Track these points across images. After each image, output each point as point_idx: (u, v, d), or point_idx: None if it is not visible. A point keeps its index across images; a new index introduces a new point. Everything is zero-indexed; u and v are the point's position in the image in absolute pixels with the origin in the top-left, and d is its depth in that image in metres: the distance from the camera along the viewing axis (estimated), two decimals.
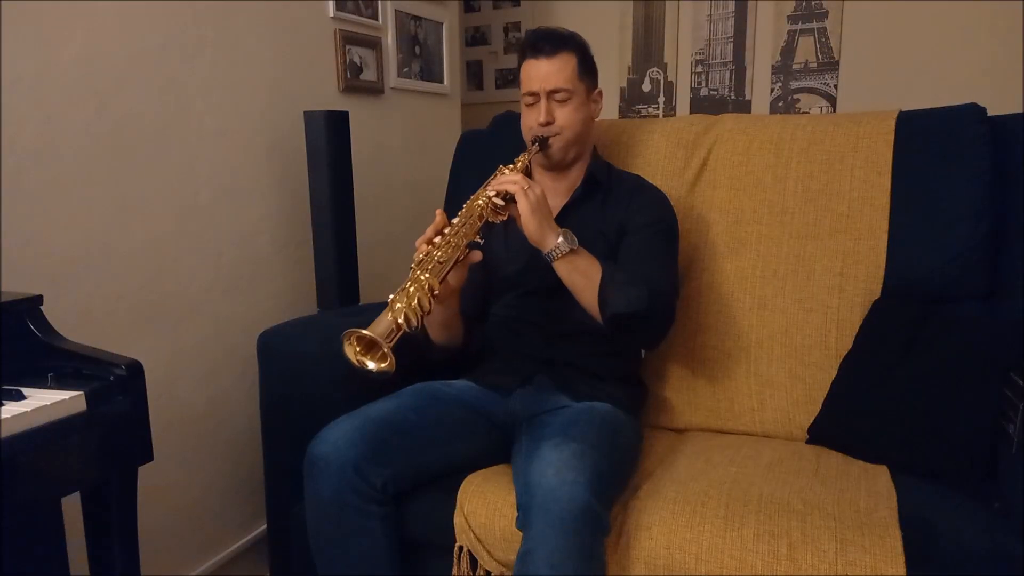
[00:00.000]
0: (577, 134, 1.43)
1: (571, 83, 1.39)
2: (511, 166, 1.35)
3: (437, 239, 1.21)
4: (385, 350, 1.03)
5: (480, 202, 1.24)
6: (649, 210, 1.44)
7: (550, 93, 1.39)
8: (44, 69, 1.36)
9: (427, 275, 1.13)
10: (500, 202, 1.24)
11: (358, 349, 1.05)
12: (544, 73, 1.39)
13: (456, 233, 1.20)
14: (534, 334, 1.42)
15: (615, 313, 1.26)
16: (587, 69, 1.44)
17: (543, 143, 1.40)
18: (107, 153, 1.48)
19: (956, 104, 1.53)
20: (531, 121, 1.42)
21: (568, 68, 1.39)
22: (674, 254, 1.47)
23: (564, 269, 1.27)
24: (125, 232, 1.53)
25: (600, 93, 1.49)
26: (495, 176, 1.32)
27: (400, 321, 1.05)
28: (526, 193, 1.22)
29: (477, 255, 1.24)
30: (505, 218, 1.26)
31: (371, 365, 1.05)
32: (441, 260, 1.16)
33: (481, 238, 1.23)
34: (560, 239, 1.25)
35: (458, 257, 1.20)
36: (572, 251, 1.26)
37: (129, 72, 1.51)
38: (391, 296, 1.10)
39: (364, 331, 1.03)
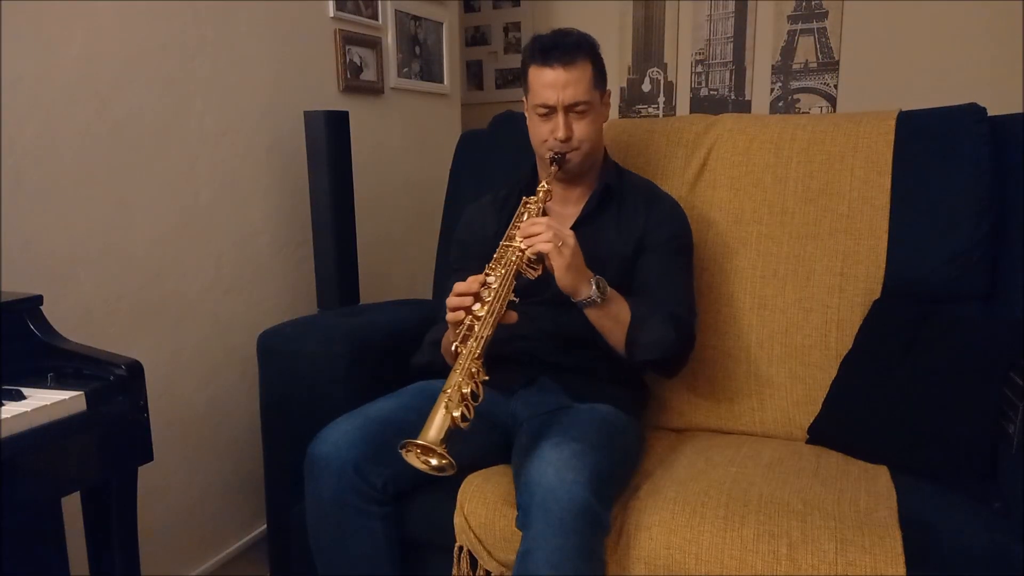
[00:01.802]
0: (594, 145, 1.39)
1: (589, 94, 1.33)
2: (535, 197, 1.32)
3: (476, 306, 1.15)
4: (439, 451, 0.99)
5: (514, 258, 1.19)
6: (668, 226, 1.42)
7: (568, 107, 1.32)
8: (44, 69, 1.36)
9: (472, 361, 1.08)
10: (533, 256, 1.19)
11: (418, 452, 1.02)
12: (562, 85, 1.30)
13: (496, 299, 1.14)
14: (542, 340, 1.40)
15: (644, 360, 1.28)
16: (601, 75, 1.37)
17: (561, 160, 1.35)
18: (107, 153, 1.48)
19: (956, 104, 1.53)
20: (545, 133, 1.35)
21: (586, 78, 1.32)
22: (692, 269, 1.47)
23: (595, 315, 1.27)
24: (125, 232, 1.53)
25: (609, 94, 1.44)
26: (520, 214, 1.29)
27: (456, 415, 1.02)
28: (560, 251, 1.18)
29: (513, 316, 1.16)
30: (540, 274, 1.21)
31: (434, 462, 1.01)
32: (485, 336, 1.11)
33: (516, 296, 1.18)
34: (594, 288, 1.23)
35: (498, 323, 1.14)
36: (604, 300, 1.24)
37: (129, 72, 1.51)
38: (443, 392, 1.05)
39: (419, 441, 1.00)
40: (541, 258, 1.20)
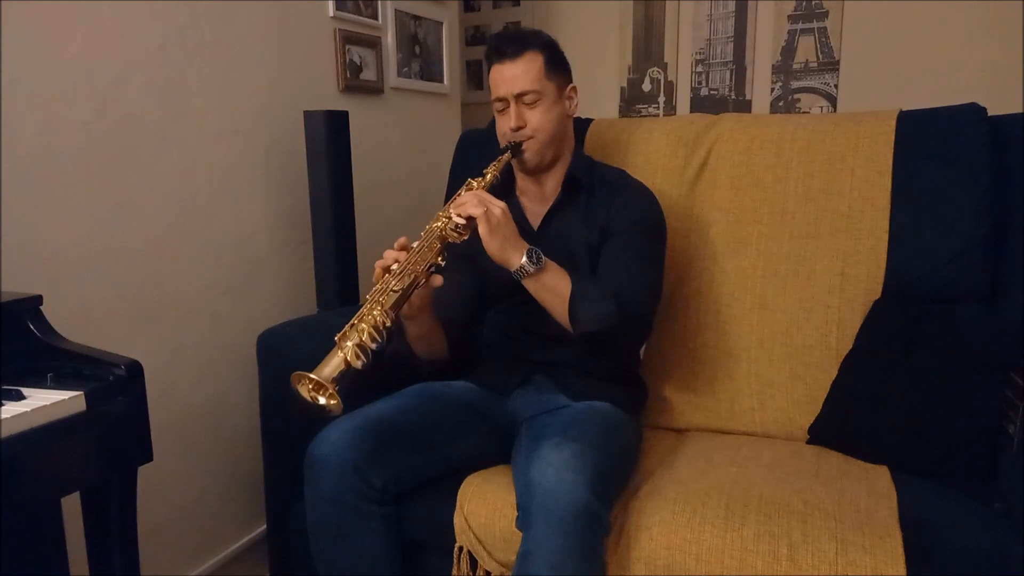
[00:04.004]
0: (551, 135, 1.39)
1: (538, 83, 1.36)
2: (479, 179, 1.32)
3: (395, 267, 1.18)
4: (331, 391, 1.03)
5: (439, 224, 1.22)
6: (631, 210, 1.40)
7: (518, 96, 1.36)
8: (44, 69, 1.36)
9: (377, 310, 1.11)
10: (461, 221, 1.21)
11: (311, 387, 1.05)
12: (510, 76, 1.36)
13: (413, 260, 1.18)
14: (532, 338, 1.41)
15: (584, 332, 1.26)
16: (556, 67, 1.40)
17: (515, 149, 1.37)
18: (107, 153, 1.48)
19: (956, 104, 1.53)
20: (504, 127, 1.39)
21: (534, 68, 1.36)
22: (658, 254, 1.43)
23: (532, 287, 1.26)
24: (125, 232, 1.53)
25: (574, 89, 1.45)
26: (461, 191, 1.30)
27: (349, 358, 1.05)
28: (486, 216, 1.19)
29: (438, 279, 1.21)
30: (467, 237, 1.23)
31: (322, 401, 1.04)
32: (395, 289, 1.14)
33: (443, 260, 1.21)
34: (524, 259, 1.22)
35: (417, 283, 1.18)
36: (538, 270, 1.24)
37: (129, 72, 1.51)
38: (336, 337, 1.09)
39: (311, 375, 1.03)
40: (470, 225, 1.22)
